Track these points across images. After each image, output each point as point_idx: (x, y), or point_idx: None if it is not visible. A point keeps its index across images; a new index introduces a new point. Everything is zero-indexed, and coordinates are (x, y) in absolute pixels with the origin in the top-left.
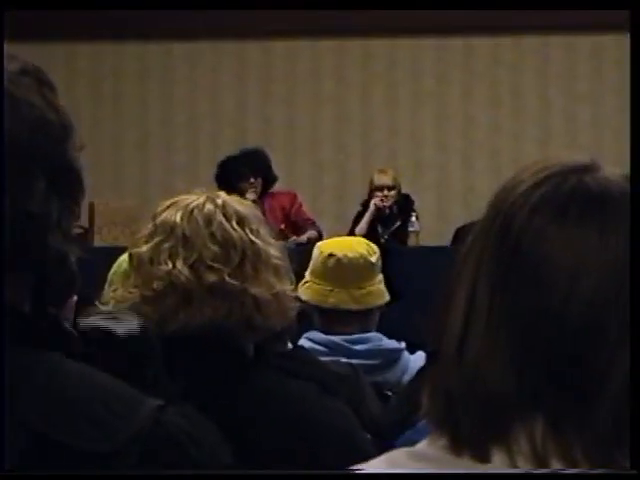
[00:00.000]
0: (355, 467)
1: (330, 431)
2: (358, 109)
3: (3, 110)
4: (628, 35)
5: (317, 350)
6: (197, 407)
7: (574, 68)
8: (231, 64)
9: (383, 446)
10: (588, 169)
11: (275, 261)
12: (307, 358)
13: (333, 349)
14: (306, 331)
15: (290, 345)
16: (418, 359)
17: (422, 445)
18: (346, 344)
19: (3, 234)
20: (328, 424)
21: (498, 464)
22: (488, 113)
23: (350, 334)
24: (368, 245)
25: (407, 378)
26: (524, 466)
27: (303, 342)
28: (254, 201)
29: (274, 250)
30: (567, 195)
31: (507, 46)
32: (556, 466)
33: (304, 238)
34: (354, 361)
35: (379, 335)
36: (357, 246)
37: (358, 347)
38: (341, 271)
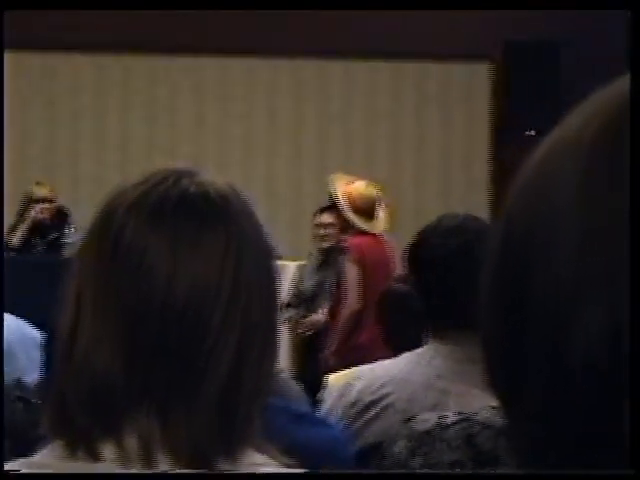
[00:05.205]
0: None
1: None
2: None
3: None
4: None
5: None
6: None
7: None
8: None
9: (20, 451)
10: (187, 174)
11: None
12: None
13: None
14: None
15: None
16: None
17: (41, 454)
18: None
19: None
20: None
21: (109, 463)
22: (143, 129)
23: None
24: None
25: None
26: (134, 462)
27: None
28: None
29: None
30: (163, 194)
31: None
32: (163, 460)
33: None
34: None
35: None
36: None
37: None
38: None
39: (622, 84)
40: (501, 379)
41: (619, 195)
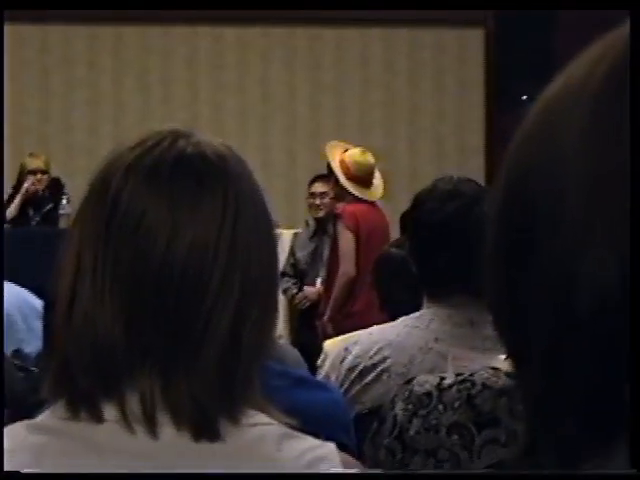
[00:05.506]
0: None
1: None
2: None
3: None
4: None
5: None
6: None
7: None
8: None
9: (20, 417)
10: (184, 135)
11: None
12: None
13: None
14: None
15: None
16: None
17: (43, 416)
18: None
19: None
20: None
21: (111, 424)
22: (137, 99)
23: None
24: None
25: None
26: (136, 423)
27: None
28: None
29: None
30: (159, 156)
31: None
32: (163, 421)
33: None
34: None
35: None
36: None
37: None
38: None
39: (625, 30)
40: (510, 333)
41: (625, 141)
